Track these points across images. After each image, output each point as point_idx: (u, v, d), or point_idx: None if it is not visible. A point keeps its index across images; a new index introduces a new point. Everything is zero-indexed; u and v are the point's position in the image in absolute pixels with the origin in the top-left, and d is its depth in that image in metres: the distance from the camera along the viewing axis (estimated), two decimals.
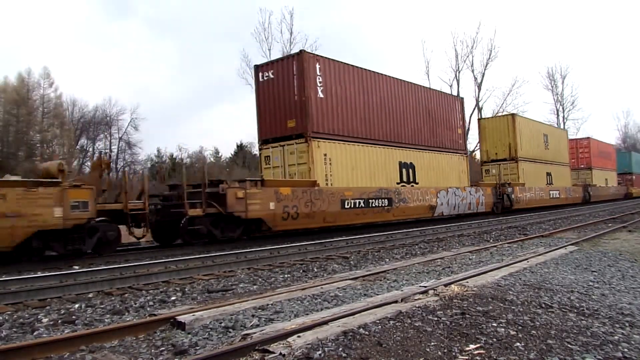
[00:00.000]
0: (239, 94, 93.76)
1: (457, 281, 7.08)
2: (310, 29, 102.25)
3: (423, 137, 21.88)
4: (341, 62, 18.22)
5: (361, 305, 5.61)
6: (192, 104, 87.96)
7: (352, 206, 17.18)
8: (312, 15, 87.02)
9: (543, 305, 5.71)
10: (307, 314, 5.50)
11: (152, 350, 4.56)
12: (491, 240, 14.20)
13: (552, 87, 75.48)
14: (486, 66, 60.81)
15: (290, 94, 16.82)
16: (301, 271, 9.56)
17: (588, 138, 46.90)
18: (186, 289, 7.86)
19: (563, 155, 37.82)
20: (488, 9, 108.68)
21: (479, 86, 60.64)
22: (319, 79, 16.87)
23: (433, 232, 16.75)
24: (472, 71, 61.43)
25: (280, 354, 4.02)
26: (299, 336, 4.45)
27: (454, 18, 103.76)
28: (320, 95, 16.88)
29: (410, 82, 22.16)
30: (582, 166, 44.25)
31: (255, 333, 4.59)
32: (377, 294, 6.58)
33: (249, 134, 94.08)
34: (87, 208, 11.21)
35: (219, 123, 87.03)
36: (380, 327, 4.77)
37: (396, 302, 5.80)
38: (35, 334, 5.35)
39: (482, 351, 4.11)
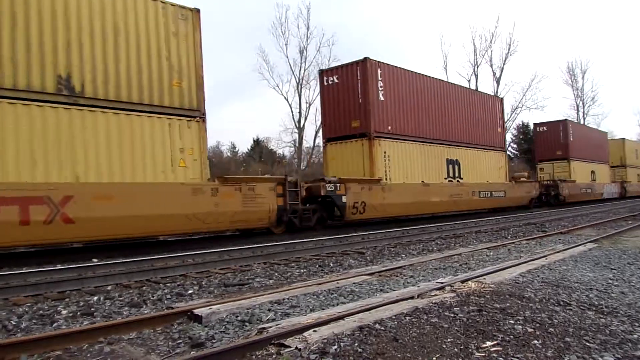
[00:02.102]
0: (254, 89, 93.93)
1: (474, 278, 7.05)
2: (327, 24, 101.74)
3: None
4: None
5: (377, 301, 5.61)
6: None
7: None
8: (328, 10, 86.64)
9: (561, 303, 5.67)
10: (323, 309, 5.52)
11: (170, 343, 4.62)
12: (509, 237, 14.11)
13: (572, 82, 74.47)
14: (505, 61, 60.35)
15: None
16: (317, 266, 9.59)
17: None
18: (203, 283, 7.93)
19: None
20: (507, 3, 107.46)
21: (498, 81, 60.18)
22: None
23: (450, 228, 16.68)
24: (491, 66, 61.01)
25: (296, 348, 4.04)
26: (314, 331, 4.47)
27: (473, 12, 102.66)
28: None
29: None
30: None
31: (271, 327, 4.62)
32: (393, 290, 6.58)
33: (265, 129, 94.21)
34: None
35: (235, 118, 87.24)
36: (396, 322, 4.78)
37: (412, 298, 5.80)
38: (54, 325, 5.44)
39: (499, 348, 4.10)
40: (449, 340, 4.31)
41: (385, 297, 5.93)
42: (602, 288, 6.58)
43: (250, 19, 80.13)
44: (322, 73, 20.16)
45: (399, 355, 3.94)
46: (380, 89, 18.69)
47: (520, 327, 4.70)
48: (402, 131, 19.61)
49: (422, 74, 21.46)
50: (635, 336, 4.53)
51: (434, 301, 5.60)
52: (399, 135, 19.47)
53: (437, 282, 6.72)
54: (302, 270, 9.09)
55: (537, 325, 4.78)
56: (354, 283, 7.24)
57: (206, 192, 12.81)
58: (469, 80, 58.89)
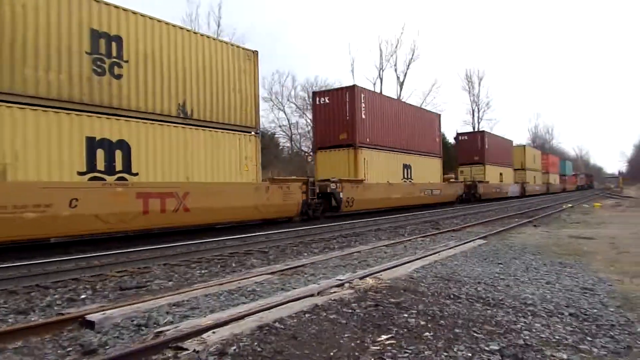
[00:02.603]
0: None
1: (372, 274, 7.27)
2: (239, 23, 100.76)
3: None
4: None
5: (278, 300, 5.64)
6: None
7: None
8: (240, 10, 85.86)
9: (452, 296, 5.98)
10: (224, 310, 5.47)
11: (59, 351, 4.38)
12: (406, 235, 14.65)
13: (469, 88, 79.04)
14: (409, 66, 62.81)
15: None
16: (219, 266, 9.47)
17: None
18: (97, 287, 7.58)
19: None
20: (413, 11, 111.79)
21: (401, 85, 62.47)
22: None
23: (350, 227, 17.07)
24: (395, 70, 63.42)
25: (194, 350, 3.98)
26: (214, 332, 4.42)
27: (380, 18, 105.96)
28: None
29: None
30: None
31: (168, 330, 4.51)
32: (294, 288, 6.64)
33: None
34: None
35: None
36: (296, 320, 4.83)
37: (312, 295, 5.88)
38: None
39: (393, 341, 4.26)
40: (346, 335, 4.42)
41: (286, 295, 5.97)
42: (489, 282, 7.01)
43: (160, 12, 77.46)
44: (315, 94, 25.11)
45: (297, 353, 3.99)
46: (362, 109, 23.44)
47: (413, 320, 4.91)
48: (376, 142, 24.46)
49: (388, 97, 28.27)
50: (518, 326, 4.86)
51: (333, 298, 5.72)
52: (374, 145, 24.25)
53: (336, 280, 6.86)
54: (203, 271, 8.94)
55: (429, 318, 5.01)
56: (256, 282, 7.23)
57: (262, 189, 16.83)
58: (374, 84, 60.74)
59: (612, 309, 5.56)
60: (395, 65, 64.41)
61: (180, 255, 10.68)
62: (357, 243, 12.85)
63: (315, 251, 11.46)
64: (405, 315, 5.09)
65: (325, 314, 5.09)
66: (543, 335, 4.56)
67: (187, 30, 14.99)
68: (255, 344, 4.15)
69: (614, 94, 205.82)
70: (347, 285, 6.48)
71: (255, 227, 17.17)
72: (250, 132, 16.63)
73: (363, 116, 23.45)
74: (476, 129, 73.21)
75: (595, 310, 5.48)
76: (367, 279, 6.92)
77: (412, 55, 63.05)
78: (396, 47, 65.24)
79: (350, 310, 5.21)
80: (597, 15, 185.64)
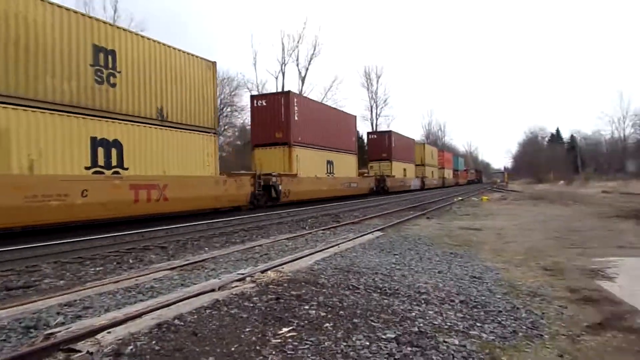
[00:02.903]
0: None
1: (274, 267, 7.30)
2: (136, 11, 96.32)
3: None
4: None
5: (177, 296, 5.52)
6: None
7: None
8: None
9: (351, 287, 6.14)
10: (120, 308, 5.26)
11: None
12: (307, 228, 14.82)
13: (367, 85, 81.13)
14: (310, 61, 63.38)
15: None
16: (115, 263, 9.09)
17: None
18: None
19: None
20: (315, 6, 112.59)
21: (303, 80, 62.95)
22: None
23: (252, 221, 17.00)
24: (297, 65, 63.63)
25: (88, 352, 3.80)
26: (109, 332, 4.24)
27: (283, 12, 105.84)
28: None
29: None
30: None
31: (60, 332, 4.27)
32: (195, 284, 6.52)
33: None
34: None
35: None
36: (196, 316, 4.75)
37: (213, 290, 5.81)
38: None
39: (294, 333, 4.30)
40: (247, 329, 4.41)
41: (186, 291, 5.86)
42: (386, 272, 7.26)
43: None
44: (252, 97, 28.05)
45: (197, 349, 3.93)
46: (295, 112, 26.59)
47: (314, 312, 4.98)
48: (306, 141, 27.67)
49: (316, 101, 33.11)
50: (413, 314, 5.08)
51: (234, 292, 5.68)
52: (305, 143, 27.48)
53: (238, 274, 6.82)
54: (98, 269, 8.53)
55: (329, 309, 5.11)
56: (154, 279, 7.02)
57: (220, 182, 19.58)
58: (276, 78, 60.92)
59: (499, 296, 5.96)
60: (297, 60, 64.75)
61: (71, 252, 10.14)
62: (259, 237, 12.82)
63: (216, 245, 11.31)
64: (306, 307, 5.16)
65: (226, 308, 5.04)
66: (436, 322, 4.80)
67: (164, 45, 17.38)
68: (154, 342, 4.03)
69: (501, 94, 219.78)
70: (248, 279, 6.46)
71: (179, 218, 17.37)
72: (210, 133, 19.38)
73: (296, 118, 26.61)
74: (374, 125, 75.62)
75: (483, 298, 5.84)
76: (269, 272, 6.94)
77: (314, 50, 64.01)
78: (298, 41, 65.82)
79: (251, 304, 5.20)
80: (486, 15, 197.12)
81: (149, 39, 16.68)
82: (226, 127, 50.48)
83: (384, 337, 4.31)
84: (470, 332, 4.56)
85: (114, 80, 15.04)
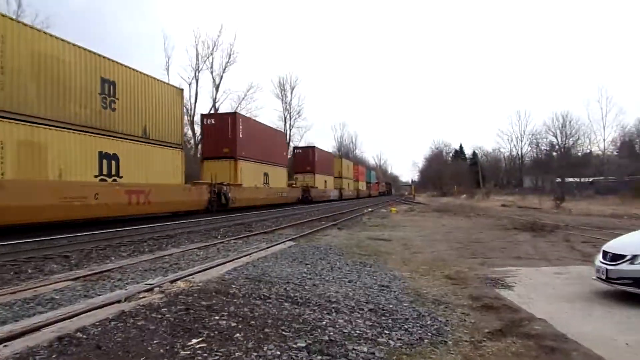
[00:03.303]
0: None
1: (184, 277, 7.15)
2: (41, 11, 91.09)
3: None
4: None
5: (80, 308, 5.27)
6: None
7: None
8: None
9: (262, 297, 6.12)
10: (17, 321, 4.95)
11: None
12: (219, 237, 14.62)
13: (282, 95, 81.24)
14: (225, 69, 62.69)
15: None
16: (12, 273, 8.53)
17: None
18: None
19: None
20: (231, 14, 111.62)
21: (217, 88, 62.15)
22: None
23: (162, 229, 16.55)
24: (212, 73, 62.60)
25: None
26: (5, 346, 3.99)
27: (198, 17, 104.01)
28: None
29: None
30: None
31: None
32: (99, 295, 6.26)
33: None
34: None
35: None
36: (100, 329, 4.55)
37: (119, 302, 5.60)
38: None
39: (204, 345, 4.23)
40: (155, 341, 4.28)
41: (90, 303, 5.61)
42: (297, 281, 7.30)
43: None
44: (203, 116, 34.41)
45: None
46: (240, 130, 31.42)
47: (224, 322, 4.92)
48: (249, 155, 32.70)
49: (257, 121, 39.07)
50: (324, 322, 5.14)
51: (142, 303, 5.50)
52: (247, 157, 32.45)
53: (146, 284, 6.61)
54: None
55: (240, 319, 5.07)
56: (55, 290, 6.66)
57: (187, 189, 24.25)
58: (189, 84, 59.53)
59: (405, 304, 6.16)
60: (211, 67, 63.72)
61: None
62: (169, 246, 12.48)
63: (123, 255, 10.88)
64: (217, 317, 5.08)
65: (132, 320, 4.87)
66: (345, 331, 4.89)
67: (146, 75, 21.54)
68: (54, 356, 3.83)
69: (410, 109, 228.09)
70: (157, 289, 6.28)
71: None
72: (178, 148, 23.86)
73: (241, 135, 31.38)
74: (288, 136, 75.78)
75: (391, 306, 6.02)
76: (179, 282, 6.79)
77: (229, 58, 63.10)
78: (213, 49, 64.60)
79: (159, 316, 5.06)
80: (397, 32, 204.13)
81: (136, 70, 20.80)
82: None
83: (294, 346, 4.33)
84: (379, 340, 4.68)
85: (114, 106, 19.30)
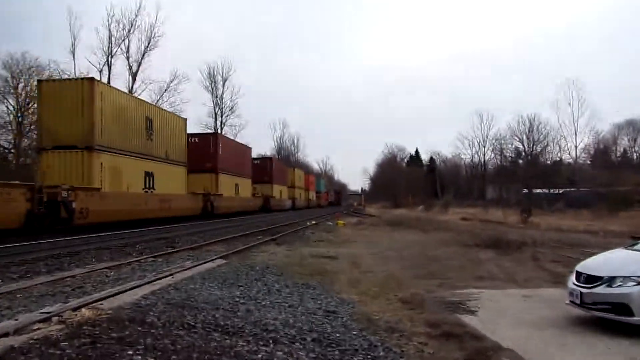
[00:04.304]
0: None
1: (90, 303, 6.86)
2: None
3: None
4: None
5: None
6: None
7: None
8: None
9: (186, 326, 5.94)
10: None
11: None
12: (134, 254, 14.21)
13: (212, 88, 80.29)
14: (144, 55, 61.44)
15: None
16: None
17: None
18: None
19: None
20: None
21: (134, 76, 60.86)
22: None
23: (66, 245, 15.96)
24: (128, 58, 61.16)
25: None
26: None
27: None
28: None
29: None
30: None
31: None
32: None
33: None
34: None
35: None
36: None
37: (7, 335, 5.29)
38: None
39: None
40: None
41: None
42: (228, 307, 7.15)
43: None
44: (190, 135, 39.21)
45: None
46: (220, 147, 42.06)
47: (140, 357, 4.72)
48: (225, 169, 42.80)
49: (232, 139, 58.11)
50: (259, 356, 5.02)
51: (36, 337, 5.21)
52: (224, 171, 42.70)
53: (42, 313, 6.30)
54: None
55: (159, 353, 4.87)
56: None
57: (190, 197, 36.07)
58: (100, 71, 57.74)
59: (355, 332, 6.12)
60: (127, 52, 62.12)
61: None
62: (72, 265, 12.02)
63: (13, 276, 10.36)
64: (130, 352, 4.86)
65: (24, 358, 4.59)
66: None
67: (166, 111, 37.71)
68: None
69: (359, 111, 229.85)
70: (55, 319, 5.98)
71: None
72: (184, 165, 35.22)
73: (220, 152, 41.93)
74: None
75: (338, 335, 5.96)
76: (83, 309, 6.50)
77: (149, 42, 61.81)
78: (130, 30, 63.09)
79: (58, 351, 4.79)
80: (344, 24, 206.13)
81: (160, 108, 36.67)
82: (32, 126, 46.40)
83: None
84: None
85: (152, 137, 30.04)
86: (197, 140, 41.04)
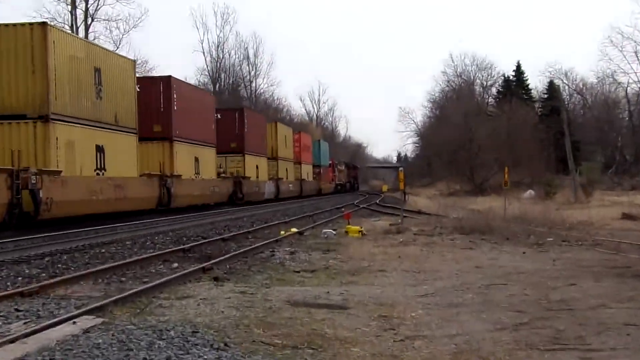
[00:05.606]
0: None
1: None
2: None
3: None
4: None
5: None
6: None
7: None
8: None
9: None
10: None
11: None
12: None
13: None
14: None
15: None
16: None
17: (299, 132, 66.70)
18: None
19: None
20: None
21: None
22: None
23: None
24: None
25: None
26: None
27: None
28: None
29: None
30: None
31: None
32: None
33: None
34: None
35: None
36: None
37: None
38: None
39: None
40: None
41: None
42: None
43: None
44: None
45: None
46: (175, 100, 31.94)
47: None
48: (183, 135, 32.86)
49: (186, 82, 44.40)
50: None
51: None
52: (181, 138, 32.81)
53: None
54: None
55: None
56: None
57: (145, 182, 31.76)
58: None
59: None
60: None
61: None
62: None
63: None
64: None
65: None
66: None
67: (116, 55, 30.64)
68: None
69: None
70: None
71: None
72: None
73: (175, 107, 32.11)
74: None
75: None
76: None
77: None
78: None
79: None
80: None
81: (110, 52, 30.63)
82: None
83: None
84: None
85: (101, 94, 25.26)
86: (138, 88, 29.43)
